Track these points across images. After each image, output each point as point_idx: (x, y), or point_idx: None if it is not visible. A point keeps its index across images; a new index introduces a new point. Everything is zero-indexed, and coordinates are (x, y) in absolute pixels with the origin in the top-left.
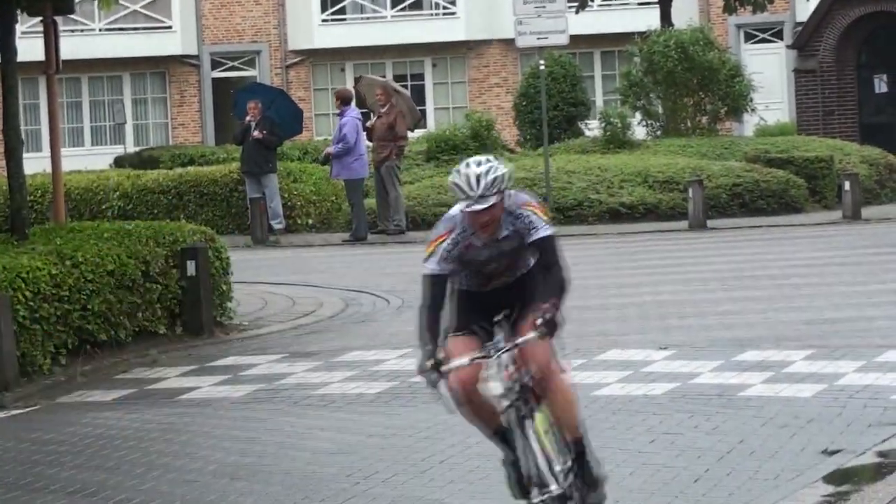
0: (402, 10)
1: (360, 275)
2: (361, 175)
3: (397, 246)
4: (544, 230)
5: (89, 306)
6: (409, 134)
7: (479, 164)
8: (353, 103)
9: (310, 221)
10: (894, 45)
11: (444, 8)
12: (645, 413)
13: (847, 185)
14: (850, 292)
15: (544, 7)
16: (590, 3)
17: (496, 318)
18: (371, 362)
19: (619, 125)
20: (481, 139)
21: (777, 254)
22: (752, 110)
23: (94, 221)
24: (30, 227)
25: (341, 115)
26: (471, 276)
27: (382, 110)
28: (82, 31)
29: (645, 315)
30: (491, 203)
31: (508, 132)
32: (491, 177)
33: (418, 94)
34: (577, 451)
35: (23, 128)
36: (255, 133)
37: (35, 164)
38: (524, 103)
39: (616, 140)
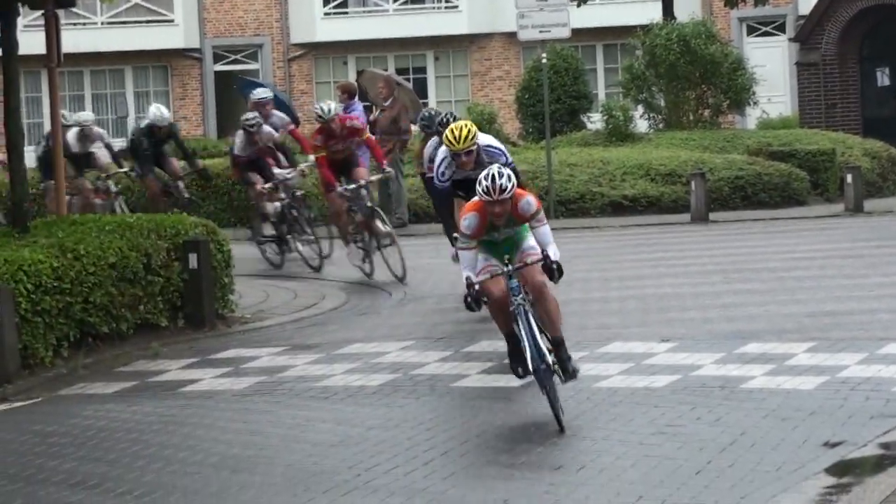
0: (405, 3)
1: None
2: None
3: (399, 239)
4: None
5: (91, 299)
6: (413, 127)
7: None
8: (357, 97)
9: (312, 214)
10: None
11: (447, 1)
12: (647, 405)
13: (849, 178)
14: (852, 285)
15: (546, 0)
16: None
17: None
18: (373, 354)
19: (622, 118)
20: (483, 132)
21: (779, 246)
22: (755, 103)
23: (95, 214)
24: (31, 220)
25: (346, 108)
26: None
27: (385, 104)
28: (84, 24)
29: (647, 308)
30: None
31: (511, 125)
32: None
33: (420, 88)
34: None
35: (25, 121)
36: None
37: None
38: (526, 96)
39: (618, 133)
